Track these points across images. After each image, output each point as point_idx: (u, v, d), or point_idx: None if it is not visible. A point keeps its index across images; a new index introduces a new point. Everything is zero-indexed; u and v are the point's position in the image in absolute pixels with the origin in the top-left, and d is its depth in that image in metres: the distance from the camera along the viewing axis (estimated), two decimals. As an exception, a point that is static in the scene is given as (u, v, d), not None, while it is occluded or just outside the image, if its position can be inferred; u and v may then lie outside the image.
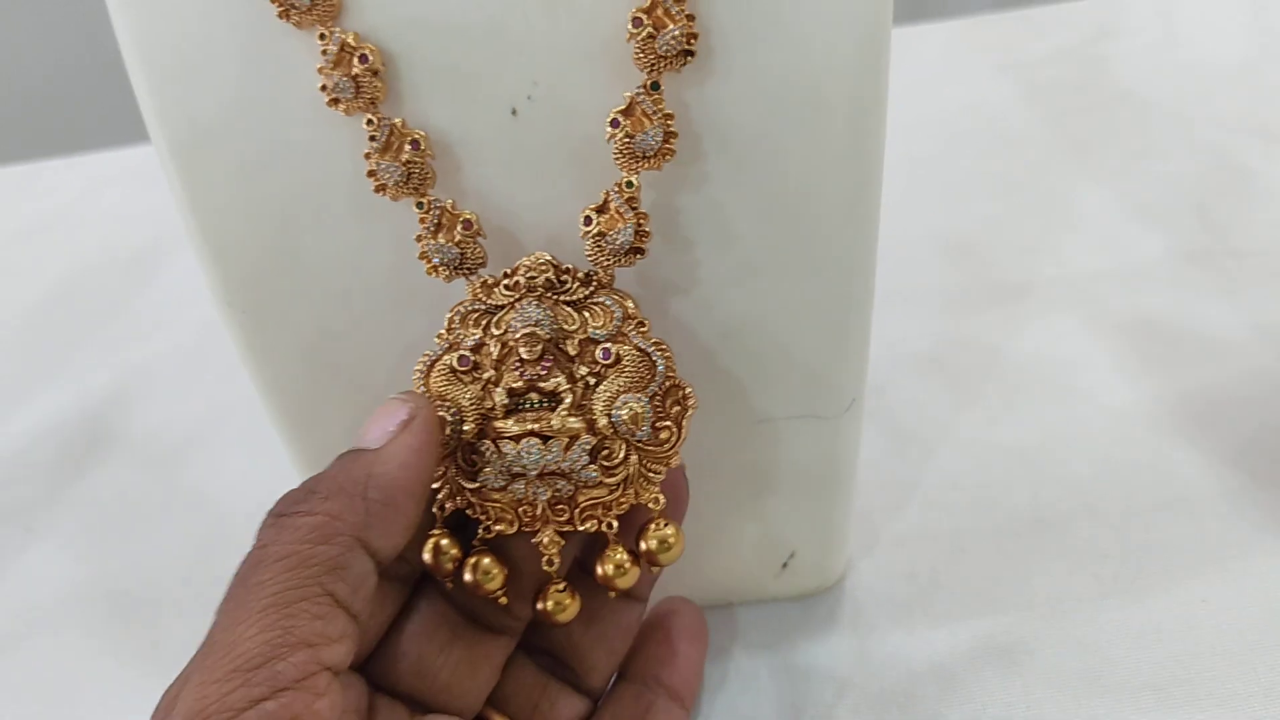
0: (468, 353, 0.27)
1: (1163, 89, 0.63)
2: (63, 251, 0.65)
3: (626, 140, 0.26)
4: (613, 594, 0.29)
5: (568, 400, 0.27)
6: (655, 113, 0.26)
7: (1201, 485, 0.39)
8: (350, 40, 0.25)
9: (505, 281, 0.27)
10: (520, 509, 0.27)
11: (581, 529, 0.28)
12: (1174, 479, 0.40)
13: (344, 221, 0.28)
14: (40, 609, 0.43)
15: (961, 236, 0.54)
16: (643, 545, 0.28)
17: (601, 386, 0.27)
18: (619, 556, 0.28)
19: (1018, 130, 0.62)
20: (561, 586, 0.28)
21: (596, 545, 0.29)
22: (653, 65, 0.25)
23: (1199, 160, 0.57)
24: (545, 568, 0.28)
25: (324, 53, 0.25)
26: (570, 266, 0.27)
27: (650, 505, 0.28)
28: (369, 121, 0.26)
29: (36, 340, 0.58)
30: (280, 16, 0.25)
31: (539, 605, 0.29)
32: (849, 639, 0.36)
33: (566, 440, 0.27)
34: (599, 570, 0.28)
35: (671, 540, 0.28)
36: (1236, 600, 0.35)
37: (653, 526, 0.28)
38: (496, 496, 0.27)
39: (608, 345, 0.27)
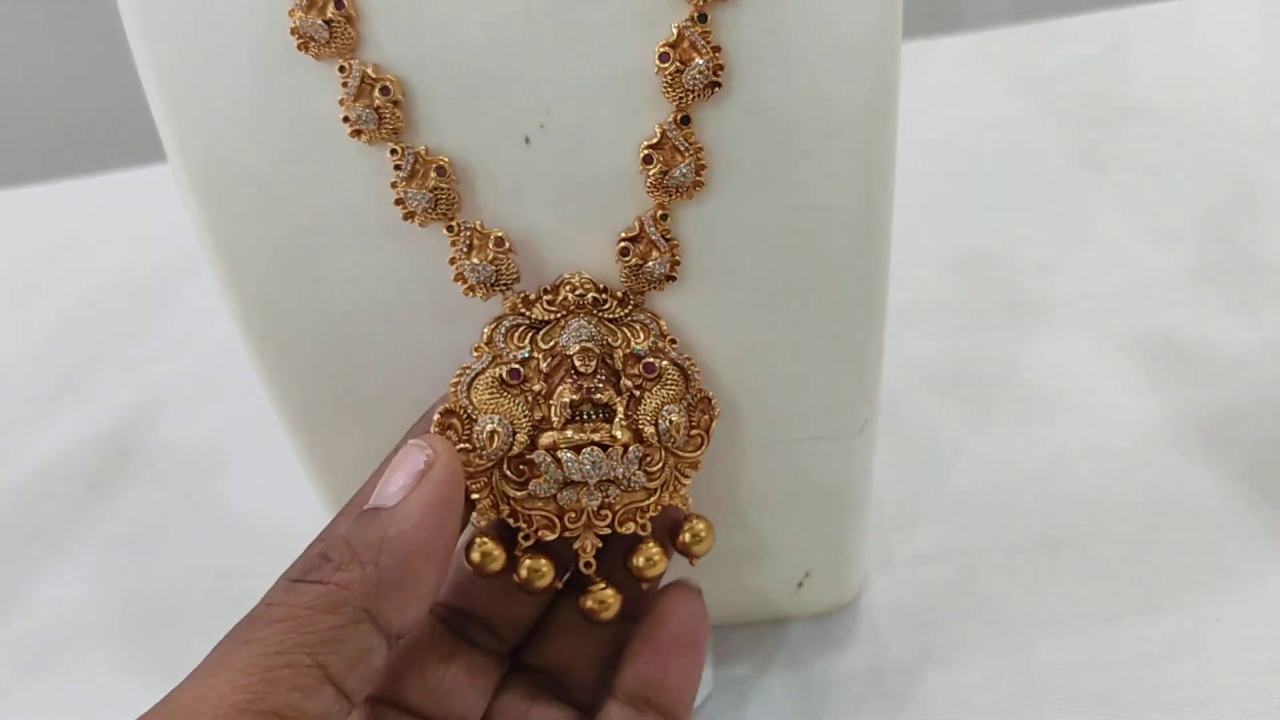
0: (518, 365, 0.28)
1: (1179, 102, 0.63)
2: (85, 271, 0.66)
3: (660, 175, 0.26)
4: (645, 585, 0.30)
5: (620, 411, 0.28)
6: (687, 148, 0.26)
7: (1216, 502, 0.39)
8: (370, 72, 0.25)
9: (547, 297, 0.28)
10: (565, 516, 0.28)
11: (621, 531, 0.29)
12: (1188, 496, 0.40)
13: (361, 247, 0.28)
14: (65, 629, 0.43)
15: (976, 252, 0.54)
16: (680, 539, 0.30)
17: (646, 398, 0.28)
18: (652, 549, 0.29)
19: (1033, 144, 0.62)
20: (603, 585, 0.29)
21: (605, 552, 0.30)
22: (681, 99, 0.26)
23: (1215, 174, 0.56)
24: (584, 570, 0.29)
25: (344, 84, 0.26)
26: (606, 286, 0.28)
27: (680, 505, 0.29)
28: (393, 151, 0.26)
29: (59, 360, 0.58)
30: (299, 49, 0.25)
31: (583, 603, 0.30)
32: (865, 657, 0.36)
33: (622, 449, 0.28)
34: (632, 561, 0.29)
35: (703, 534, 0.30)
36: (1251, 619, 0.35)
37: (687, 523, 0.30)
38: (541, 505, 0.28)
39: (652, 360, 0.28)
